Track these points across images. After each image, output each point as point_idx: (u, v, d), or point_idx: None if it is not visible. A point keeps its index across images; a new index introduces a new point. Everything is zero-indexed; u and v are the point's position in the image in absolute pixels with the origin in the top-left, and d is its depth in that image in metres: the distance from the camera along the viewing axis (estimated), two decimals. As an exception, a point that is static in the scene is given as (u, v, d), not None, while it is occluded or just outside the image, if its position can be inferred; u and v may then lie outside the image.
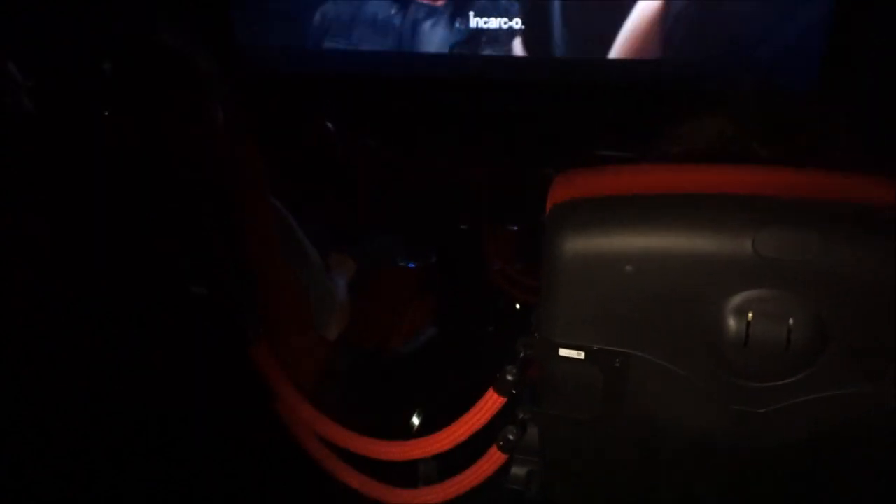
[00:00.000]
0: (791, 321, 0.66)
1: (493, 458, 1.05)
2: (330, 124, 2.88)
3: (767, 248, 0.66)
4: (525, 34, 3.24)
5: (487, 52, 3.27)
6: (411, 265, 1.68)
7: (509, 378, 1.02)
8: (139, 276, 1.11)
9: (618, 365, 0.74)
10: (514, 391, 1.03)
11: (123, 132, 1.20)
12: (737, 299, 0.68)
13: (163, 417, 1.16)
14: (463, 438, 1.09)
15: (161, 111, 1.26)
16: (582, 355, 0.75)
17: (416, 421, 1.69)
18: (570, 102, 3.16)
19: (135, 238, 1.11)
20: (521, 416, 1.02)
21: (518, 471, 0.99)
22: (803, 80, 2.82)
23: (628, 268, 0.70)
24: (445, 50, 3.31)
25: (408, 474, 1.29)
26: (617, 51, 3.17)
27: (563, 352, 0.76)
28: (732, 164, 0.77)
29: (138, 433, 1.16)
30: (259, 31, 3.68)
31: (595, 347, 0.74)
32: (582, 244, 0.73)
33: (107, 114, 1.32)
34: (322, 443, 1.23)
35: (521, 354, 1.00)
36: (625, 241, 0.71)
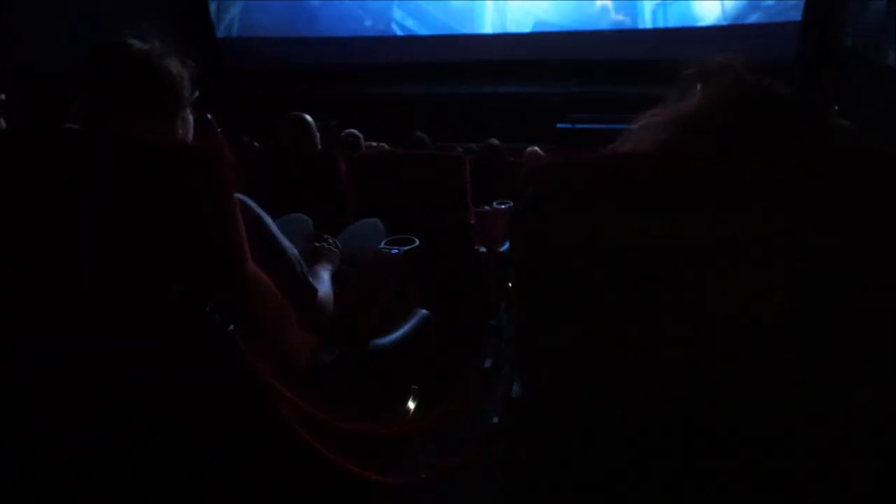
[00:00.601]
0: (770, 292, 0.66)
1: (484, 439, 1.05)
2: (308, 116, 2.86)
3: (741, 225, 0.66)
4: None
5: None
6: (394, 251, 1.67)
7: (494, 360, 1.01)
8: (118, 280, 1.10)
9: (598, 346, 0.74)
10: (500, 373, 1.02)
11: (91, 136, 1.19)
12: (714, 274, 0.67)
13: (149, 419, 1.16)
14: (451, 417, 1.09)
15: (130, 115, 1.25)
16: (560, 336, 0.74)
17: (411, 406, 1.69)
18: (541, 76, 3.15)
19: (108, 241, 1.10)
20: (510, 399, 1.01)
21: (509, 455, 0.99)
22: (784, 50, 2.82)
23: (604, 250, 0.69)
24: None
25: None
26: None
27: (541, 334, 0.76)
28: (710, 139, 0.76)
29: (126, 436, 1.16)
30: (237, 24, 3.67)
31: (574, 329, 0.74)
32: (557, 226, 0.72)
33: (74, 117, 1.31)
34: (315, 431, 1.22)
35: (505, 336, 0.99)
36: (600, 223, 0.70)
